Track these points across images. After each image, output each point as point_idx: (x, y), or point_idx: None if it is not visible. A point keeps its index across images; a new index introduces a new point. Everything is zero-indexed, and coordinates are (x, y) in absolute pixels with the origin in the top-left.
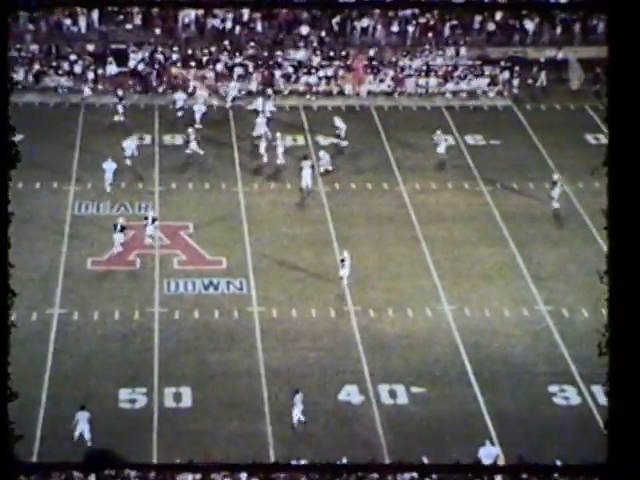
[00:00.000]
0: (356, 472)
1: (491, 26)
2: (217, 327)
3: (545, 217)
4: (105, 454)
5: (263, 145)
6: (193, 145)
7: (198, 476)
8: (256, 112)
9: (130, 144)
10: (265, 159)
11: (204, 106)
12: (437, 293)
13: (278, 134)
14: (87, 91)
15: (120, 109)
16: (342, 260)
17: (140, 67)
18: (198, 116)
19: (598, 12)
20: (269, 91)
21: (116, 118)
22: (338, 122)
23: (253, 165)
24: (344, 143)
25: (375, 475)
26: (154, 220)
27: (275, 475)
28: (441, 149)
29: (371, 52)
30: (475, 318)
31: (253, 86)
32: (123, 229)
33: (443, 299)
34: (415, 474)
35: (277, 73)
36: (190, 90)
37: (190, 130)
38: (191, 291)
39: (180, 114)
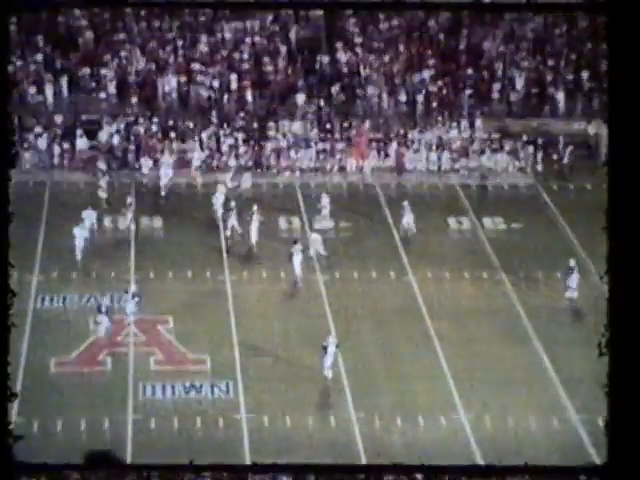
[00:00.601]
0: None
1: (512, 95)
2: (200, 437)
3: (575, 312)
4: (105, 455)
5: (234, 223)
6: (126, 221)
7: None
8: (225, 186)
9: (90, 214)
10: (234, 238)
11: (168, 177)
12: (452, 399)
13: (254, 211)
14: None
15: (102, 186)
16: (324, 347)
17: (115, 141)
18: (163, 185)
19: (598, 12)
20: (232, 163)
21: (100, 193)
22: (324, 199)
23: (237, 249)
24: (329, 225)
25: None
26: (134, 296)
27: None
28: (404, 222)
29: (376, 124)
30: (496, 428)
31: (233, 160)
32: (108, 312)
33: (459, 406)
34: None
35: (268, 147)
36: (160, 161)
37: (129, 201)
38: (170, 396)
39: (145, 181)
